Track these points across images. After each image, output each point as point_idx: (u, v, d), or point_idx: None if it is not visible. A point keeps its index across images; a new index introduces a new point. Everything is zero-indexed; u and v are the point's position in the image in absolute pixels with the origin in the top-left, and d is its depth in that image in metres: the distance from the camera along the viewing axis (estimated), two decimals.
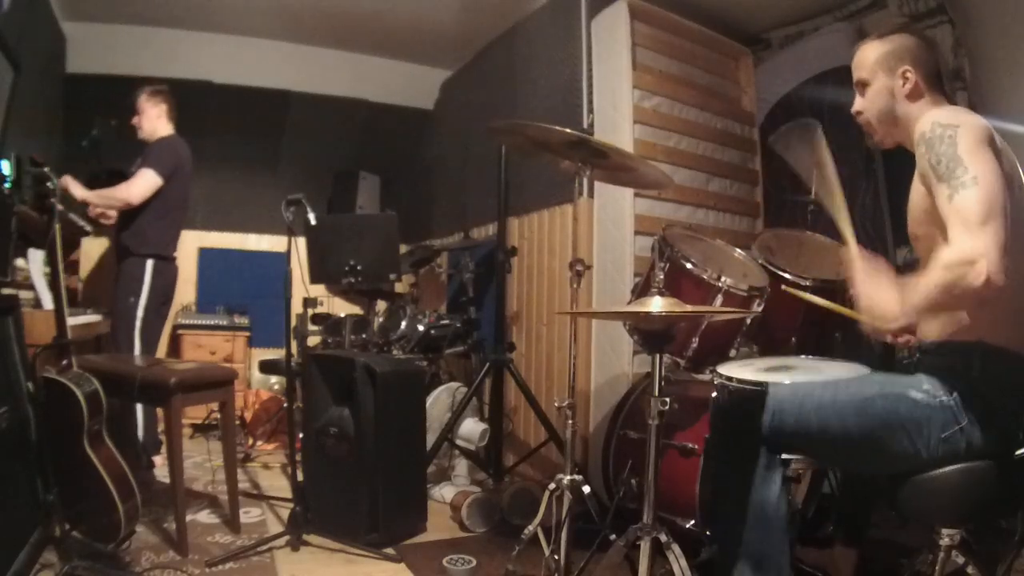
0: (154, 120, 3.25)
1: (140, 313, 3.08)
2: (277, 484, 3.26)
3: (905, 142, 1.60)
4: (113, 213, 3.18)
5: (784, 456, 1.56)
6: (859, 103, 1.64)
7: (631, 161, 2.12)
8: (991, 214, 1.27)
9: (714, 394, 1.98)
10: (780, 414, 1.51)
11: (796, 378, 1.77)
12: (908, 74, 1.55)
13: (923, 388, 1.44)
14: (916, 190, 1.51)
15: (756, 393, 1.58)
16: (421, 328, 3.58)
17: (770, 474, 1.51)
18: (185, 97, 3.37)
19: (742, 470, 1.54)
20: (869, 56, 1.61)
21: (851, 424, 1.45)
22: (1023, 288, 1.38)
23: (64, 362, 2.08)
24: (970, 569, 1.57)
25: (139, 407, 3.05)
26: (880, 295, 1.43)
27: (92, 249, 4.19)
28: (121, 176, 3.23)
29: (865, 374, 1.60)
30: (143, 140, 3.25)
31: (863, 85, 1.63)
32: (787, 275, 2.41)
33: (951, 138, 1.35)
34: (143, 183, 3.09)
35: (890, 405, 1.43)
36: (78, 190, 3.03)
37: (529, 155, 2.28)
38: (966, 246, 1.26)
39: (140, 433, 3.06)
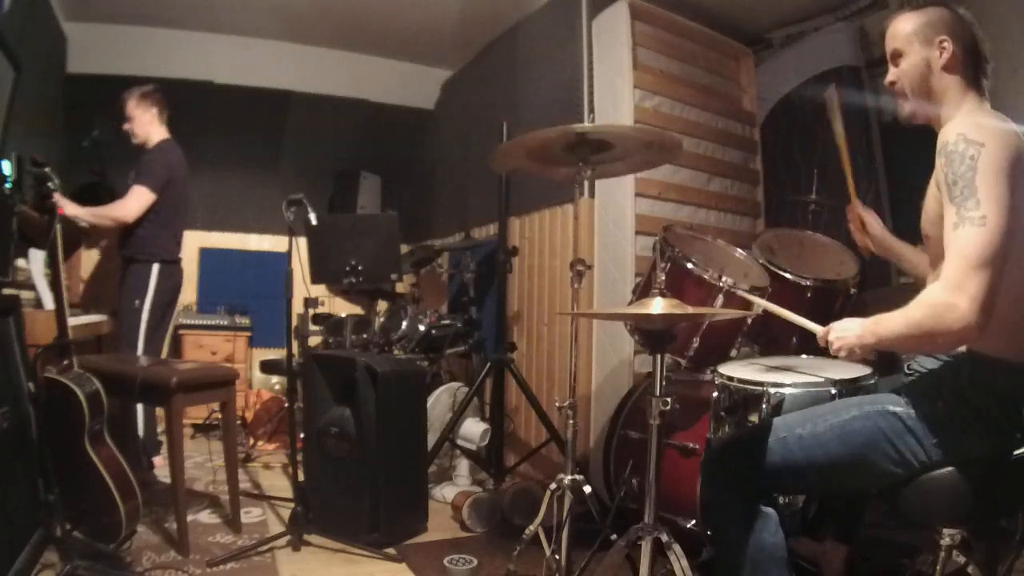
0: (147, 125, 3.22)
1: (145, 316, 3.08)
2: (278, 484, 3.26)
3: (933, 120, 1.54)
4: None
5: (778, 499, 1.58)
6: (893, 73, 1.57)
7: (634, 137, 2.08)
8: (988, 261, 1.26)
9: (715, 394, 1.98)
10: (768, 455, 1.52)
11: (797, 378, 1.78)
12: (946, 44, 1.48)
13: (903, 400, 1.44)
14: (931, 193, 1.48)
15: (744, 442, 1.62)
16: (422, 328, 3.59)
17: (765, 522, 1.52)
18: (186, 97, 3.37)
19: (737, 519, 1.55)
20: (905, 27, 1.54)
21: (836, 449, 1.46)
22: (1018, 302, 1.37)
23: (65, 362, 2.08)
24: (970, 569, 1.57)
25: (139, 408, 3.05)
26: (842, 325, 1.46)
27: (93, 250, 4.19)
28: (112, 195, 3.21)
29: (840, 401, 1.60)
30: (139, 145, 3.23)
31: (897, 56, 1.55)
32: (788, 275, 2.42)
33: (972, 159, 1.31)
34: (136, 201, 3.08)
35: (870, 423, 1.44)
36: (71, 208, 2.98)
37: (532, 174, 2.27)
38: (954, 287, 1.27)
39: (140, 434, 3.06)
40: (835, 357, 1.48)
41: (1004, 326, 1.37)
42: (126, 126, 3.23)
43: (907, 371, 1.61)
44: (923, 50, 1.51)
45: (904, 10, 1.57)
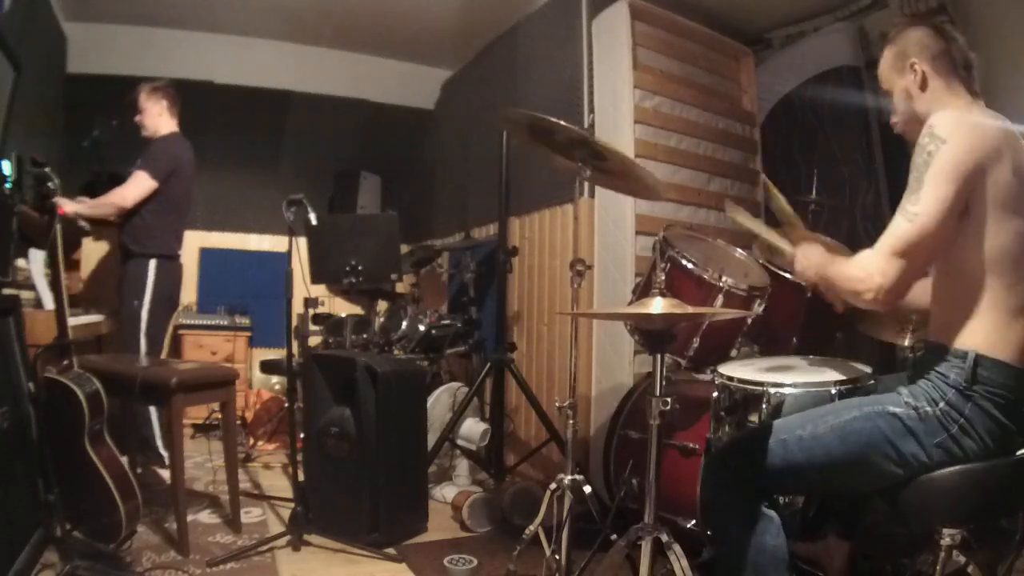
0: (156, 117, 3.23)
1: (145, 315, 3.07)
2: (278, 484, 3.26)
3: None
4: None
5: (779, 502, 1.59)
6: (894, 116, 1.63)
7: (628, 166, 2.11)
8: (906, 252, 1.38)
9: (715, 394, 1.98)
10: (769, 456, 1.53)
11: (797, 378, 1.78)
12: (915, 66, 1.53)
13: (903, 401, 1.45)
14: None
15: (745, 444, 1.66)
16: (422, 328, 3.58)
17: (766, 525, 1.53)
18: (186, 97, 3.36)
19: (738, 520, 1.55)
20: (883, 67, 1.61)
21: (836, 450, 1.47)
22: (1018, 306, 1.40)
23: (65, 362, 2.08)
24: (971, 569, 1.57)
25: (152, 410, 3.03)
26: (809, 250, 1.64)
27: (93, 249, 4.19)
28: (121, 182, 3.22)
29: (841, 402, 1.61)
30: (147, 137, 3.22)
31: (890, 96, 1.61)
32: (788, 275, 2.41)
33: (930, 155, 1.37)
34: (135, 187, 3.08)
35: (871, 423, 1.45)
36: (70, 206, 2.96)
37: (530, 148, 2.27)
38: (871, 264, 1.41)
39: (157, 435, 3.04)
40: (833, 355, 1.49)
41: (1005, 330, 1.39)
42: (137, 118, 3.23)
43: (911, 371, 1.61)
44: (901, 81, 1.56)
45: (884, 46, 1.61)
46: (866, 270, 1.42)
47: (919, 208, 1.37)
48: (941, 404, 1.41)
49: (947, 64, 1.52)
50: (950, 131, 1.37)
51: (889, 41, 1.60)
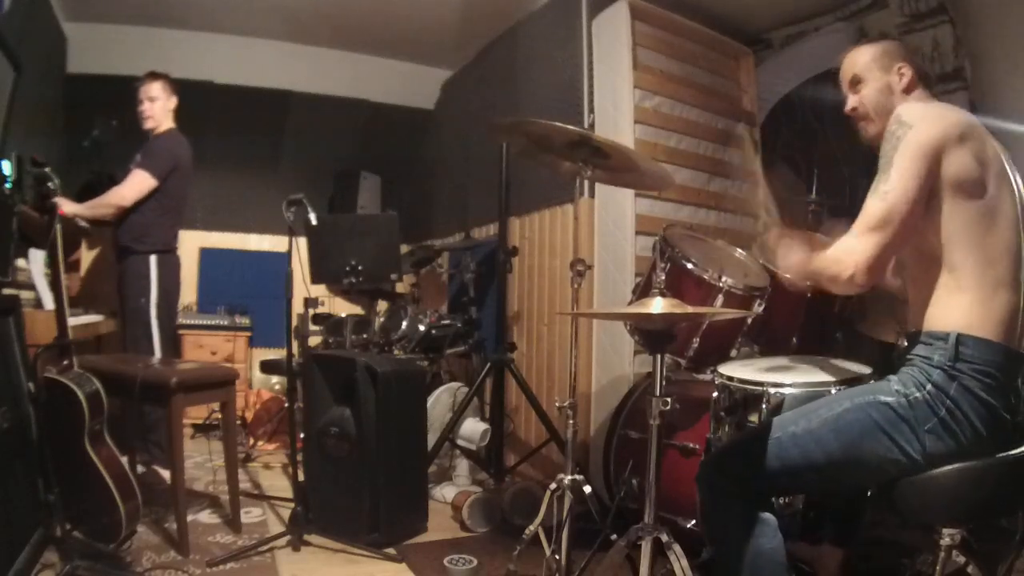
0: (167, 112, 3.20)
1: (153, 311, 3.05)
2: (278, 484, 3.27)
3: None
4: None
5: (775, 504, 1.60)
6: (854, 100, 1.71)
7: (633, 159, 2.11)
8: (883, 227, 1.43)
9: (715, 394, 1.98)
10: (764, 456, 1.53)
11: (797, 378, 1.78)
12: (904, 70, 1.63)
13: (893, 390, 1.46)
14: None
15: (740, 446, 1.68)
16: (422, 328, 3.59)
17: (763, 528, 1.53)
18: (186, 97, 3.36)
19: (736, 522, 1.56)
20: (863, 56, 1.69)
21: (831, 444, 1.47)
22: (995, 284, 1.43)
23: (65, 362, 2.08)
24: (971, 569, 1.57)
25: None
26: (789, 252, 1.71)
27: (92, 249, 4.19)
28: (119, 182, 3.20)
29: (832, 395, 1.62)
30: (148, 129, 3.18)
31: (856, 83, 1.69)
32: (788, 275, 2.41)
33: (898, 139, 1.45)
34: (135, 186, 3.05)
35: (862, 414, 1.46)
36: (69, 207, 2.94)
37: (530, 157, 2.27)
38: (848, 244, 1.47)
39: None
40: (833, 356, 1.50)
41: (985, 307, 1.42)
42: (145, 107, 3.17)
43: (898, 364, 1.61)
44: (883, 76, 1.66)
45: (860, 43, 1.73)
46: (845, 251, 1.47)
47: (889, 186, 1.43)
48: (928, 387, 1.42)
49: (926, 81, 1.66)
50: (916, 117, 1.46)
51: (869, 42, 1.72)
